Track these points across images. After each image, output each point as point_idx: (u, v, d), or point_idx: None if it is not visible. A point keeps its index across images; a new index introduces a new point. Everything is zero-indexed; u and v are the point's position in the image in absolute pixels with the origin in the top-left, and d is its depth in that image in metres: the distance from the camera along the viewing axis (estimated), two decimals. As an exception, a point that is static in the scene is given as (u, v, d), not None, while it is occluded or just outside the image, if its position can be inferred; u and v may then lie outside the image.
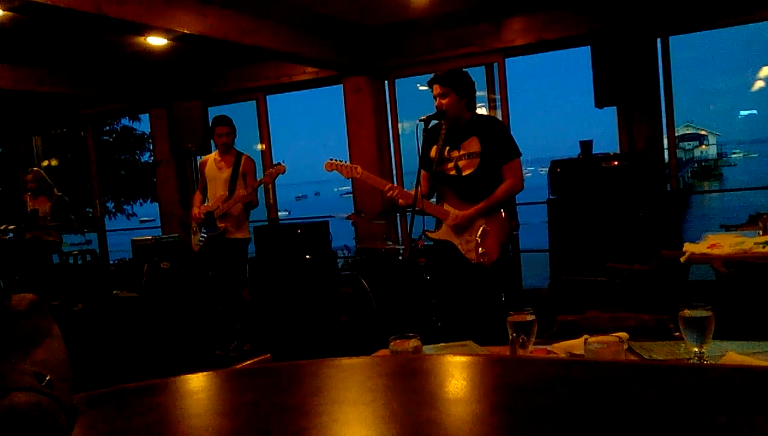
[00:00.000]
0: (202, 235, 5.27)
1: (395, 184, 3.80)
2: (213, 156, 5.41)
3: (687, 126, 71.06)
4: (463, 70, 3.76)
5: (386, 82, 7.24)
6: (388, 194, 3.69)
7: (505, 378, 1.07)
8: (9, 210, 7.32)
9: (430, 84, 3.66)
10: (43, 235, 6.89)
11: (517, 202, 3.95)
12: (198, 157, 7.84)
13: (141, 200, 17.62)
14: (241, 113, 8.03)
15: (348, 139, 7.26)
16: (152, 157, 11.84)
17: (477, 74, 6.64)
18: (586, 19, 6.03)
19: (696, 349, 1.58)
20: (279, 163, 5.25)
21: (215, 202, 5.25)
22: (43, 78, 7.17)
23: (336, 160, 3.90)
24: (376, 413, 0.93)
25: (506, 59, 6.65)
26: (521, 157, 3.72)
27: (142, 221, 18.23)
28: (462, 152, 3.64)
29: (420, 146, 3.73)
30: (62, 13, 4.27)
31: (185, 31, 5.06)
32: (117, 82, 7.91)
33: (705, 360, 1.58)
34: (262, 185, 5.41)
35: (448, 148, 3.68)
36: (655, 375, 1.00)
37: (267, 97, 7.87)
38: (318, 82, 7.57)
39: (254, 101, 7.91)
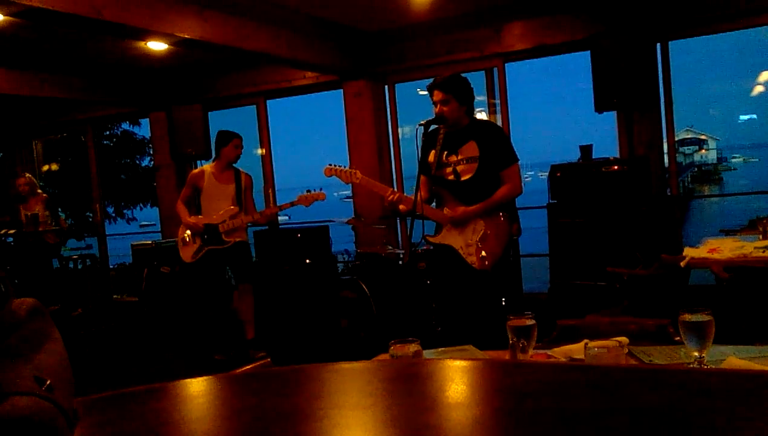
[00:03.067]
0: (201, 247, 5.17)
1: (395, 190, 3.79)
2: (209, 169, 5.30)
3: (687, 130, 71.14)
4: (462, 75, 3.76)
5: (386, 86, 7.25)
6: (390, 199, 3.66)
7: (505, 383, 1.07)
8: (9, 214, 7.33)
9: (429, 89, 3.66)
10: (45, 236, 6.91)
11: (517, 206, 3.95)
12: (199, 163, 7.85)
13: (141, 205, 17.60)
14: (242, 118, 8.05)
15: (348, 144, 7.27)
16: (152, 162, 11.84)
17: (477, 79, 6.65)
18: (585, 24, 6.04)
19: (696, 353, 1.58)
20: (321, 191, 5.19)
21: (220, 216, 5.16)
22: (43, 82, 7.18)
23: (335, 166, 3.90)
24: (376, 417, 0.93)
25: (506, 64, 6.66)
26: (519, 162, 3.73)
27: (142, 226, 18.22)
28: (460, 157, 3.65)
29: (419, 151, 3.73)
30: (63, 18, 4.28)
31: (185, 36, 5.07)
32: (117, 86, 7.92)
33: (705, 365, 1.58)
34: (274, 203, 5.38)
35: (446, 152, 3.68)
36: (655, 380, 1.00)
37: (267, 101, 7.89)
38: (318, 87, 7.58)
39: (254, 106, 7.92)
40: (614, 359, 1.52)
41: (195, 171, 5.42)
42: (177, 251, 5.40)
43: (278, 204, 5.38)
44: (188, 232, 5.25)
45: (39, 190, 7.31)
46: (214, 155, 5.39)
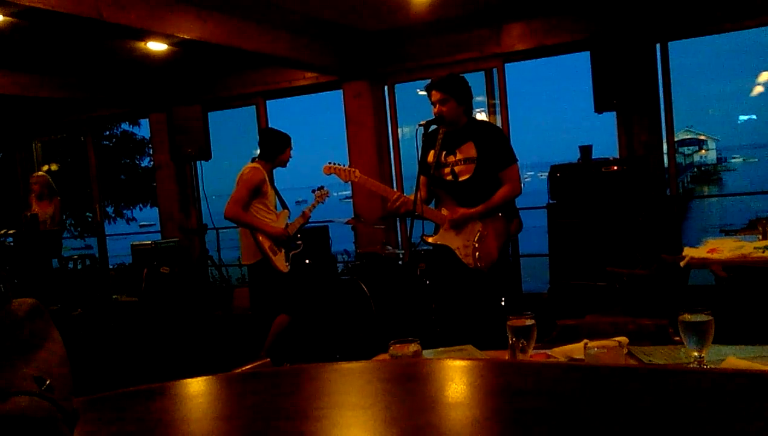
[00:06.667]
0: (287, 254, 4.92)
1: (397, 191, 3.79)
2: (265, 171, 4.79)
3: (686, 131, 71.11)
4: (460, 75, 3.76)
5: (386, 87, 7.25)
6: (397, 204, 3.63)
7: (505, 382, 1.07)
8: (9, 215, 7.34)
9: (428, 90, 3.66)
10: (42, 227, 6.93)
11: (517, 206, 3.95)
12: (198, 164, 7.85)
13: (141, 205, 17.60)
14: (241, 118, 8.04)
15: (348, 144, 7.27)
16: (152, 162, 11.84)
17: (477, 79, 6.65)
18: (585, 25, 6.04)
19: (696, 353, 1.59)
20: (323, 187, 5.13)
21: (282, 219, 4.91)
22: (43, 83, 7.18)
23: (334, 164, 3.90)
24: (375, 417, 0.93)
25: (506, 64, 6.66)
26: (518, 163, 3.73)
27: (141, 226, 18.22)
28: (458, 157, 3.65)
29: (419, 151, 3.74)
30: (63, 18, 4.28)
31: (185, 37, 5.07)
32: (117, 87, 7.93)
33: (705, 365, 1.58)
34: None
35: (444, 152, 3.69)
36: (654, 380, 1.00)
37: (267, 102, 7.89)
38: (318, 88, 7.58)
39: (254, 106, 7.92)
40: (614, 359, 1.52)
41: (255, 174, 4.72)
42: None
43: (303, 209, 5.20)
44: (269, 242, 4.78)
45: (57, 197, 7.29)
46: (259, 156, 4.86)
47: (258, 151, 4.92)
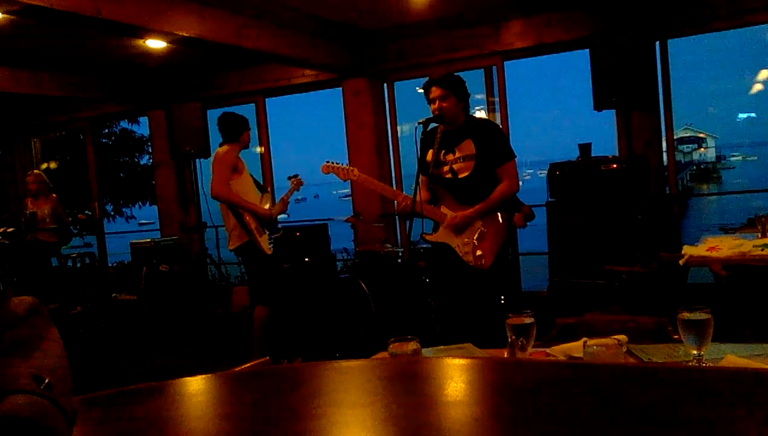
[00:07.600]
0: (270, 236, 4.91)
1: (396, 189, 3.80)
2: (237, 152, 4.86)
3: (686, 129, 71.20)
4: (457, 75, 3.78)
5: (385, 84, 7.24)
6: (402, 205, 3.65)
7: (504, 381, 1.07)
8: (7, 213, 7.33)
9: (427, 86, 3.66)
10: (41, 236, 6.90)
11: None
12: (198, 162, 7.84)
13: (140, 203, 17.62)
14: (241, 116, 8.00)
15: (347, 142, 7.26)
16: (151, 160, 11.84)
17: (476, 77, 6.64)
18: (585, 22, 6.04)
19: (695, 351, 1.59)
20: (297, 175, 5.19)
21: (266, 200, 4.94)
22: (42, 80, 7.17)
23: (333, 163, 3.90)
24: (375, 415, 0.93)
25: (505, 62, 6.65)
26: (516, 159, 3.74)
27: (141, 224, 18.22)
28: (457, 155, 3.66)
29: (418, 149, 3.74)
30: (62, 15, 4.27)
31: (184, 34, 5.06)
32: (116, 84, 7.91)
33: (704, 363, 1.58)
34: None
35: (443, 151, 3.69)
36: (653, 378, 1.00)
37: (266, 99, 7.88)
38: (317, 85, 7.57)
39: (253, 104, 7.91)
40: (613, 357, 1.53)
41: (228, 153, 4.77)
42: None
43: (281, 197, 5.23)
44: (255, 222, 4.77)
45: (53, 194, 7.28)
46: (225, 140, 4.86)
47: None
